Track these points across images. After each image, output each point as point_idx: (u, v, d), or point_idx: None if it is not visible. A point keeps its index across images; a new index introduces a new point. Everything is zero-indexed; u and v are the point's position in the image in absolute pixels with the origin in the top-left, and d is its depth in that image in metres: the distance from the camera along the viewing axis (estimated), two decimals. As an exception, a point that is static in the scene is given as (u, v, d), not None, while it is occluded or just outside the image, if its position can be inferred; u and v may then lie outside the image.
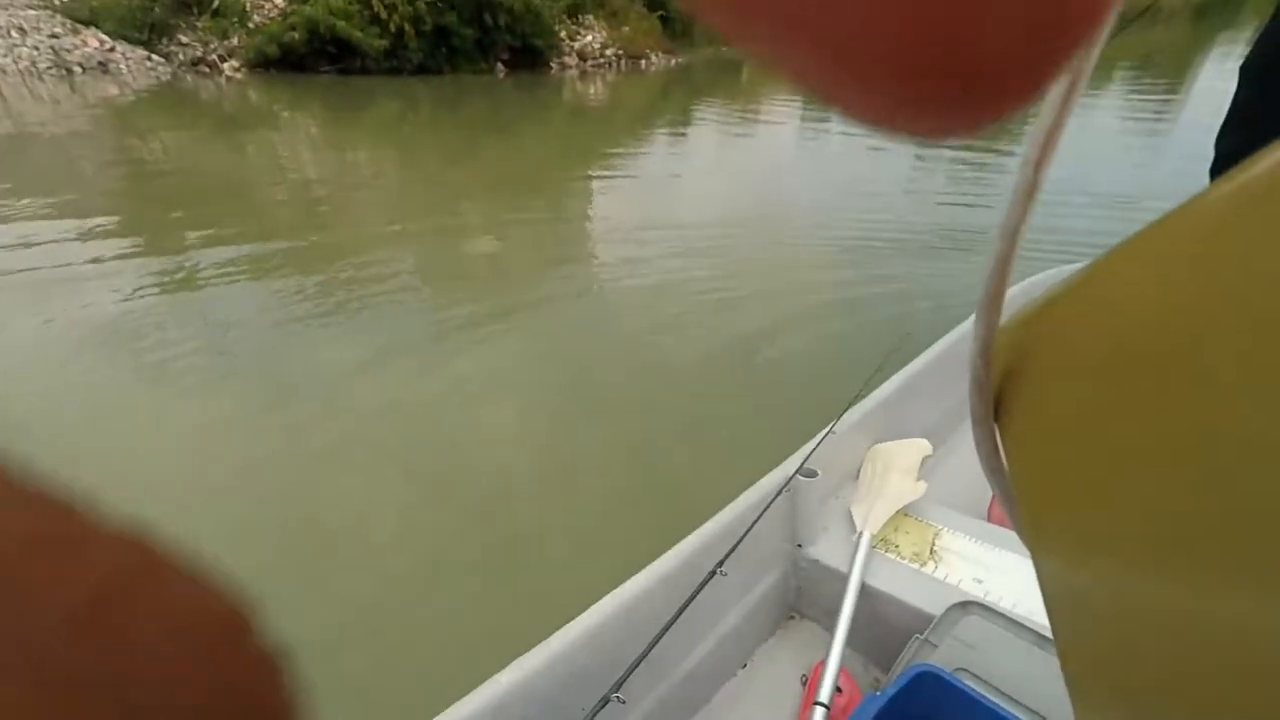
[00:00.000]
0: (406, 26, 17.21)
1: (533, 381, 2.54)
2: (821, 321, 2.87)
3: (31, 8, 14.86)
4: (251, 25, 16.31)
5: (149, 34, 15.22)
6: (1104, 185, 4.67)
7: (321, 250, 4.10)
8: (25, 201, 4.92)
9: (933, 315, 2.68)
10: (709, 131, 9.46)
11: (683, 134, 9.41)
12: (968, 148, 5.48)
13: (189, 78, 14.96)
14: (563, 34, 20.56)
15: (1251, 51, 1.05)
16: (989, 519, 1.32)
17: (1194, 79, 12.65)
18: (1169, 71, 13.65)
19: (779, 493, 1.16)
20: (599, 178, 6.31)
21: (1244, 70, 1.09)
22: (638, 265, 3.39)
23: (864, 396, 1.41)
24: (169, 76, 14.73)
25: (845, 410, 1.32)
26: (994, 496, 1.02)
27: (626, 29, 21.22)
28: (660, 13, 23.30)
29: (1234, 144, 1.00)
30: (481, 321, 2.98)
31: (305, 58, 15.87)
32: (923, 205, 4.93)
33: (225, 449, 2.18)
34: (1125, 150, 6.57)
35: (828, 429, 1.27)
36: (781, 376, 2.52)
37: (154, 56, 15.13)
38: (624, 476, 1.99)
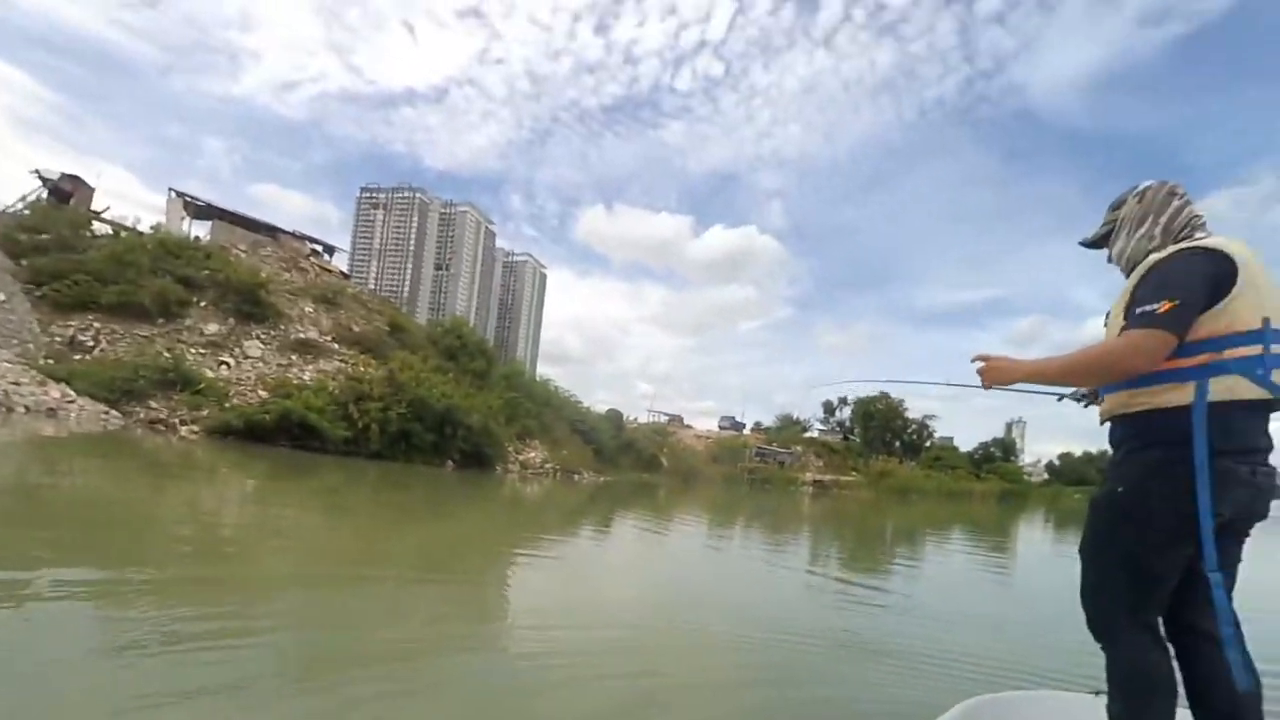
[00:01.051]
0: (373, 426, 19.33)
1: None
2: None
3: (10, 361, 15.83)
4: (227, 405, 17.80)
5: (120, 396, 16.13)
6: (980, 609, 5.59)
7: (204, 585, 3.64)
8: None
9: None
10: (628, 533, 10.18)
11: (605, 531, 10.06)
12: (857, 583, 6.49)
13: (139, 430, 15.21)
14: (511, 449, 23.48)
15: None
16: None
17: (1014, 534, 15.57)
18: (994, 530, 16.76)
19: None
20: (524, 558, 6.43)
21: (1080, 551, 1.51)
22: (547, 651, 3.05)
23: None
24: (117, 427, 14.93)
25: None
26: None
27: (565, 452, 24.64)
28: (594, 446, 27.71)
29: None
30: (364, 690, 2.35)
31: (268, 433, 16.89)
32: (809, 608, 5.24)
33: None
34: (981, 582, 7.93)
35: None
36: None
37: (111, 412, 15.63)
38: None
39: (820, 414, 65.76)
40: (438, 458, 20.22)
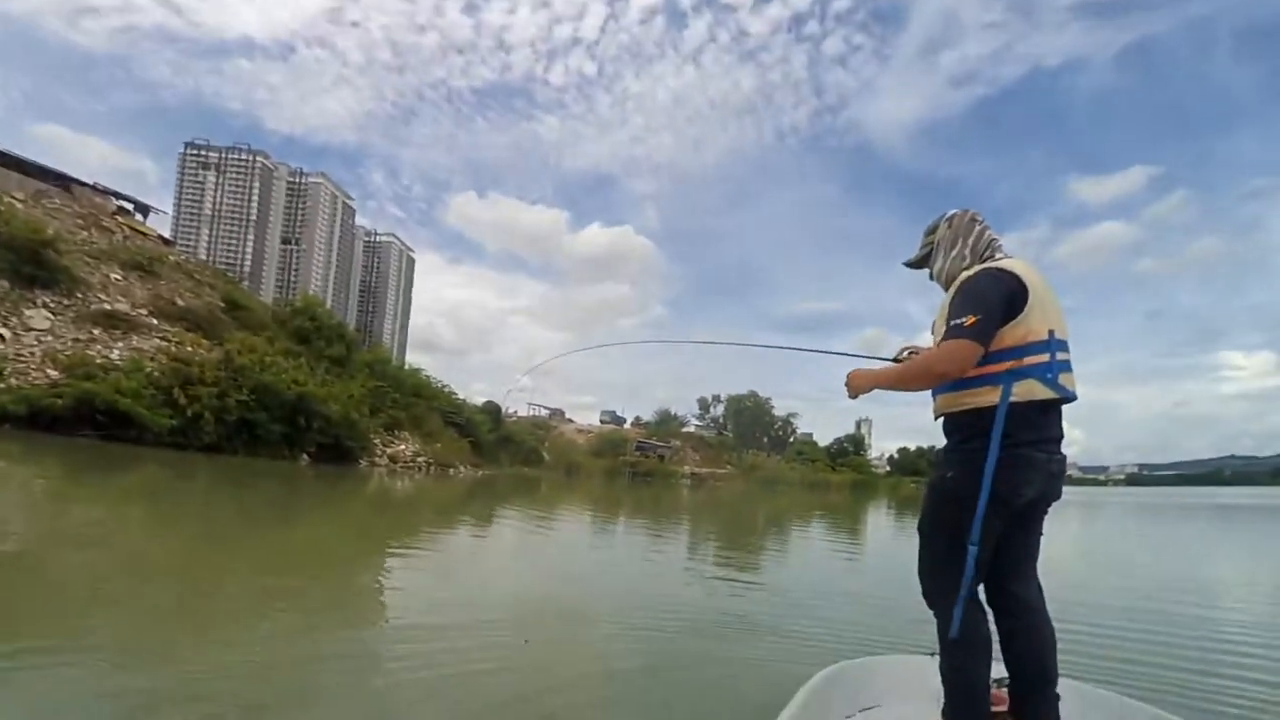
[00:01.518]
0: (207, 414, 16.89)
1: None
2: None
3: None
4: (2, 385, 14.54)
5: None
6: (839, 585, 6.25)
7: None
8: None
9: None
10: (508, 528, 9.95)
11: (484, 527, 9.74)
12: (733, 567, 6.98)
13: None
14: (377, 441, 21.75)
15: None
16: None
17: (865, 519, 17.65)
18: (847, 516, 18.87)
19: None
20: (395, 559, 5.99)
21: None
22: (423, 653, 2.86)
23: None
24: None
25: None
26: None
27: (439, 445, 23.35)
28: (471, 439, 26.58)
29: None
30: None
31: (60, 421, 14.07)
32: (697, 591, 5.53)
33: None
34: (839, 561, 8.87)
35: None
36: None
37: None
38: None
39: (696, 410, 69.17)
40: (290, 450, 18.21)
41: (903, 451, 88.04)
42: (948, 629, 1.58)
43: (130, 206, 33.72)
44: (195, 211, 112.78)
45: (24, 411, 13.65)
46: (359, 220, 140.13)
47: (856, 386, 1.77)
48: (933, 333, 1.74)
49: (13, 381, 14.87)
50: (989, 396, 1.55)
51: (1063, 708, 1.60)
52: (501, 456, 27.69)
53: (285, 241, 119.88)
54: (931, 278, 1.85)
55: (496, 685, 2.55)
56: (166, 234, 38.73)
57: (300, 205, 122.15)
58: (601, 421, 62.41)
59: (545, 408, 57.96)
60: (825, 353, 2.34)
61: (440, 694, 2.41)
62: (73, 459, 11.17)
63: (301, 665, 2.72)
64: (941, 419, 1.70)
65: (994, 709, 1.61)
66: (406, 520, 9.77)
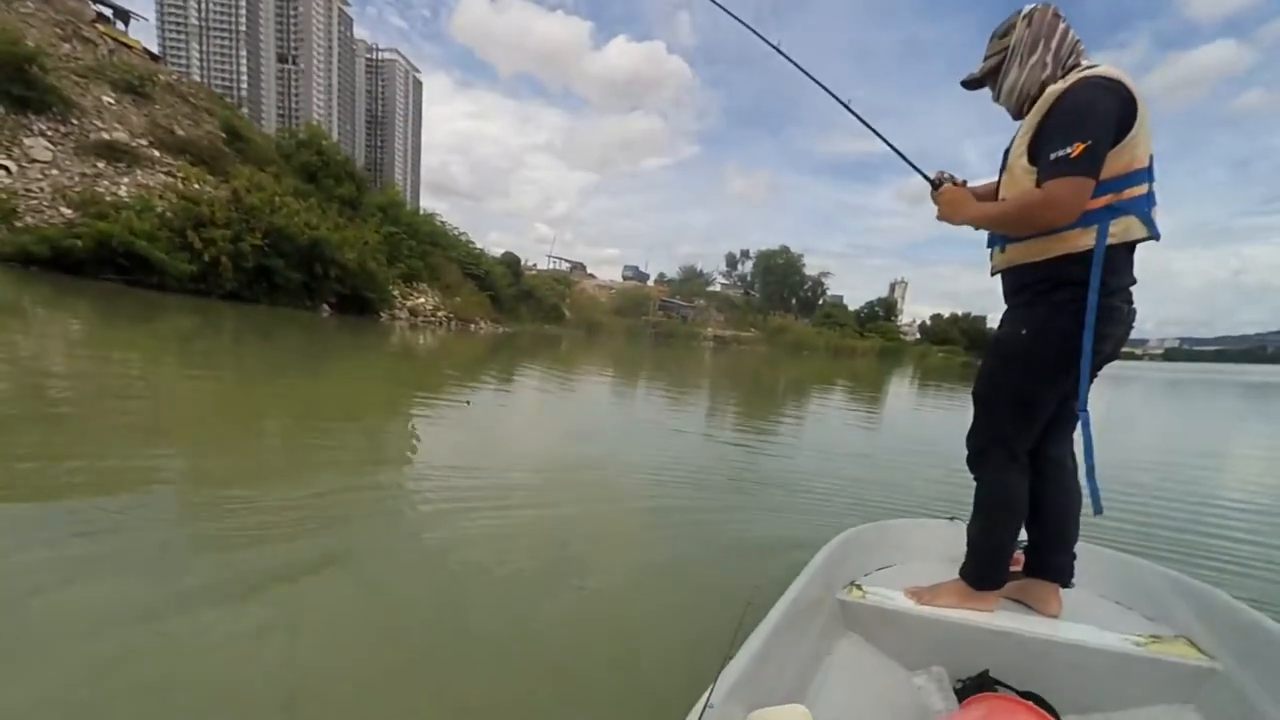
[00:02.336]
0: (224, 259, 17.20)
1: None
2: (667, 576, 2.82)
3: None
4: (19, 224, 14.84)
5: None
6: (853, 448, 6.53)
7: (41, 467, 3.03)
8: None
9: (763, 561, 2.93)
10: (533, 384, 10.40)
11: (510, 383, 10.20)
12: (752, 430, 7.17)
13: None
14: (396, 293, 22.22)
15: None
16: None
17: (888, 389, 18.02)
18: (871, 385, 19.25)
19: None
20: (421, 413, 6.32)
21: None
22: (456, 508, 3.12)
23: (732, 658, 1.27)
24: None
25: (719, 674, 1.20)
26: None
27: (459, 299, 23.80)
28: (490, 293, 26.96)
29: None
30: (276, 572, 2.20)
31: (84, 264, 14.54)
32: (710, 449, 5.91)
33: None
34: (860, 429, 9.12)
35: (704, 702, 1.13)
36: (628, 640, 2.25)
37: None
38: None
39: (723, 267, 68.14)
40: (310, 300, 18.76)
41: (935, 318, 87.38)
42: (990, 493, 1.60)
43: (109, 12, 31.36)
44: (180, 20, 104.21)
45: (47, 253, 14.05)
46: (357, 31, 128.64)
47: (950, 213, 1.53)
48: (1004, 165, 1.50)
49: (29, 220, 15.11)
50: (1081, 240, 1.36)
51: (1076, 568, 1.72)
52: (522, 312, 28.22)
53: (281, 59, 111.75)
54: (997, 99, 1.56)
55: (524, 520, 2.91)
56: (153, 48, 36.25)
57: (291, 11, 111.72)
58: (624, 278, 62.26)
59: (566, 260, 57.69)
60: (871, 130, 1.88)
61: (472, 536, 2.76)
62: (101, 305, 11.71)
63: (349, 494, 3.08)
64: (1009, 272, 1.53)
65: (1010, 569, 1.72)
66: (433, 373, 10.28)
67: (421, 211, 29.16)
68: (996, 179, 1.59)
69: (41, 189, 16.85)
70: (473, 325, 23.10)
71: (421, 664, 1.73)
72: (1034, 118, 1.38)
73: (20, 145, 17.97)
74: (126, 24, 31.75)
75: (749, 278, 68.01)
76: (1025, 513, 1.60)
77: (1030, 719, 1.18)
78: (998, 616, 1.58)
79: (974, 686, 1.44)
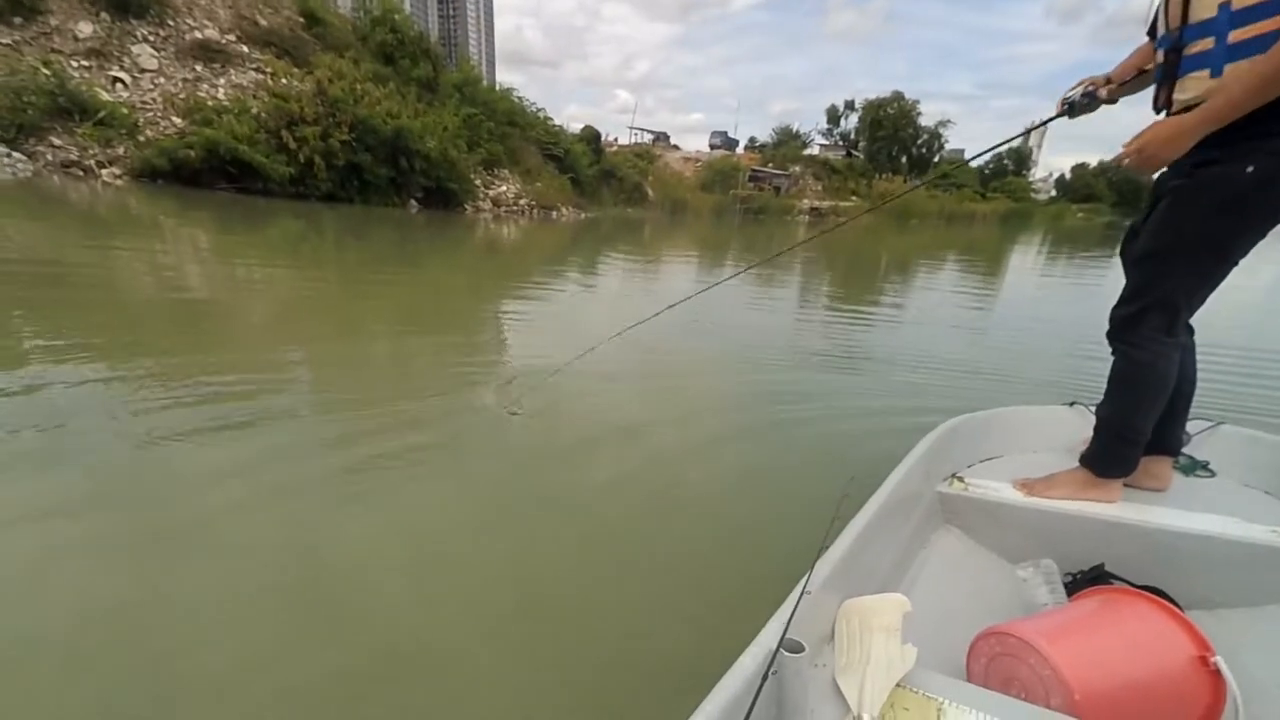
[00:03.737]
0: (317, 159, 18.02)
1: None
2: (764, 453, 2.88)
3: None
4: (141, 139, 16.22)
5: (15, 133, 14.57)
6: (965, 324, 6.20)
7: (203, 365, 3.58)
8: None
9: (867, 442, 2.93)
10: (617, 274, 10.54)
11: (594, 273, 10.39)
12: (847, 315, 6.96)
13: (55, 178, 14.22)
14: (478, 182, 22.49)
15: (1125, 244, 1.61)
16: (968, 678, 1.22)
17: (1007, 262, 16.32)
18: (988, 256, 17.49)
19: (765, 675, 0.96)
20: (511, 313, 6.66)
21: (1122, 255, 1.60)
22: (557, 398, 3.40)
23: (828, 548, 1.26)
24: (29, 174, 13.91)
25: (815, 563, 1.18)
26: (970, 649, 1.21)
27: (539, 184, 23.72)
28: (570, 175, 26.53)
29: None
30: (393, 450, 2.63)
31: (200, 174, 15.87)
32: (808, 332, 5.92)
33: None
34: (967, 310, 8.47)
35: (801, 589, 1.10)
36: (730, 523, 2.28)
37: (14, 155, 14.34)
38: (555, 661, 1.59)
39: (823, 124, 61.73)
40: (398, 197, 19.48)
41: (1078, 169, 75.78)
42: (1136, 366, 1.48)
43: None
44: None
45: (167, 165, 15.40)
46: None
47: (1165, 153, 1.33)
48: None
49: (149, 133, 16.44)
50: None
51: (1219, 453, 1.75)
52: (604, 194, 27.66)
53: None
54: None
55: (645, 397, 3.32)
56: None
57: None
58: (711, 146, 58.17)
59: (648, 131, 54.49)
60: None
61: (606, 408, 3.21)
62: (218, 212, 12.93)
63: (454, 401, 3.49)
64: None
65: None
66: (519, 268, 10.73)
67: (498, 87, 28.33)
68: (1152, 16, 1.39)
69: (154, 99, 18.08)
70: (555, 212, 23.15)
71: (532, 549, 2.04)
72: None
73: (129, 54, 19.08)
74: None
75: (853, 135, 61.46)
76: (1171, 390, 1.50)
77: (1150, 608, 1.14)
78: (1118, 506, 1.52)
79: (1086, 580, 1.40)
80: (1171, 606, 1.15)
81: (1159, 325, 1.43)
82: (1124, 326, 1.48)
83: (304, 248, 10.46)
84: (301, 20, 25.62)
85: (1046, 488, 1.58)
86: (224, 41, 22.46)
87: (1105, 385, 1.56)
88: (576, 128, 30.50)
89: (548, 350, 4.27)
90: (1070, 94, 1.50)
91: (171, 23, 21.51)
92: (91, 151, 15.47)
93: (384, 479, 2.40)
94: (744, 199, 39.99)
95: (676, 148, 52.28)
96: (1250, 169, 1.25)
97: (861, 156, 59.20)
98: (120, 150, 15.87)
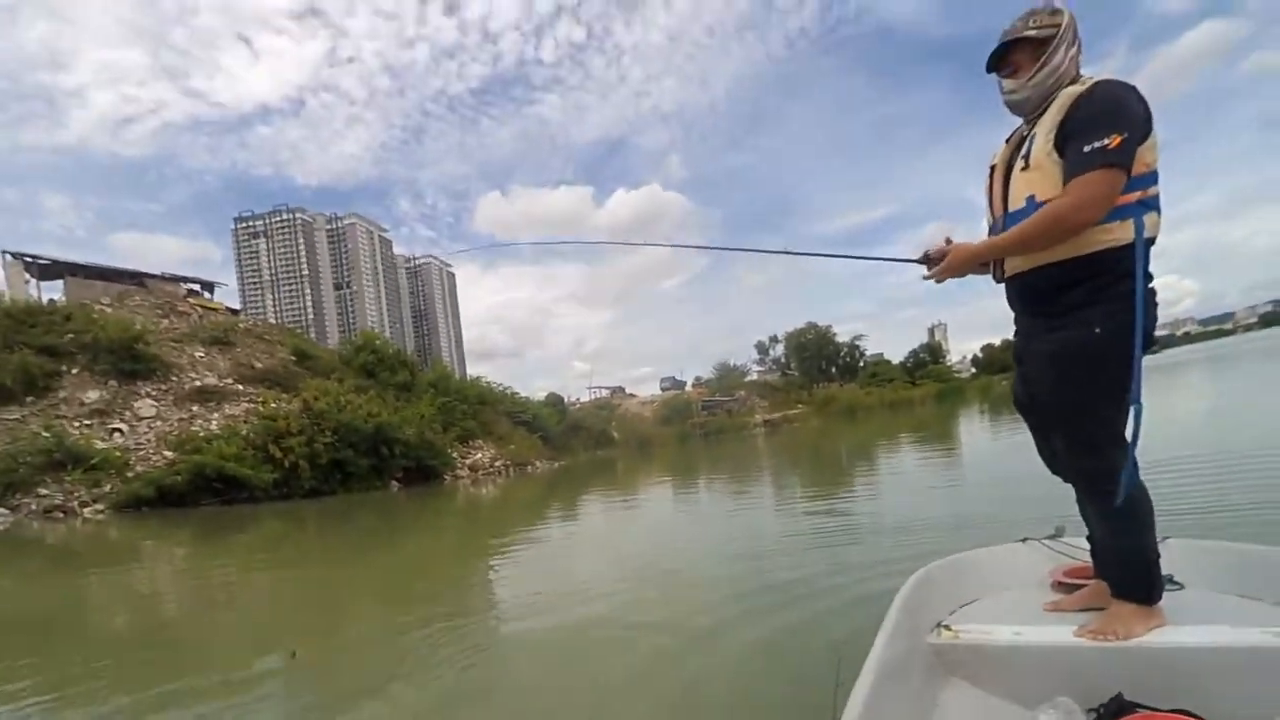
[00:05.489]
0: (301, 463, 18.39)
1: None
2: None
3: None
4: (130, 474, 16.46)
5: (3, 491, 14.62)
6: (935, 484, 6.42)
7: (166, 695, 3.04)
8: None
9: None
10: (596, 510, 10.42)
11: (573, 514, 10.22)
12: (819, 500, 7.10)
13: (34, 524, 13.86)
14: (454, 454, 23.03)
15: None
16: None
17: (957, 433, 17.00)
18: (940, 434, 18.23)
19: None
20: (495, 565, 6.41)
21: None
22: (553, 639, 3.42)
23: None
24: (7, 525, 13.55)
25: None
26: None
27: (513, 446, 24.44)
28: (540, 434, 27.62)
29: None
30: None
31: (185, 494, 15.79)
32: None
33: None
34: (931, 471, 8.69)
35: None
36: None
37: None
38: None
39: (755, 356, 68.35)
40: (379, 480, 19.60)
41: (987, 349, 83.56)
42: (1130, 501, 1.44)
43: (197, 287, 36.60)
44: (256, 278, 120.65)
45: (153, 493, 15.41)
46: (396, 250, 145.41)
47: (955, 268, 1.52)
48: (1025, 166, 1.45)
49: (140, 469, 16.78)
50: (1122, 233, 1.36)
51: (1183, 568, 1.63)
52: (573, 444, 28.58)
53: (338, 287, 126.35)
54: (1025, 81, 1.48)
55: (620, 644, 3.04)
56: (235, 304, 41.84)
57: (343, 249, 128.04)
58: (663, 389, 63.02)
59: (605, 388, 59.11)
60: (834, 255, 2.05)
61: (563, 669, 2.82)
62: (201, 527, 12.60)
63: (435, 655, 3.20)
64: (1043, 270, 1.45)
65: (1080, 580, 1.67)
66: (499, 522, 10.43)
67: (469, 378, 30.91)
68: (988, 190, 1.61)
69: (148, 440, 18.86)
70: (529, 467, 23.44)
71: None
72: (1056, 115, 1.39)
73: (131, 409, 20.42)
74: (212, 292, 36.84)
75: (784, 359, 67.74)
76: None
77: None
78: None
79: (1110, 714, 1.28)
80: None
81: (1122, 455, 1.44)
82: (1102, 474, 1.48)
83: (286, 541, 10.13)
84: (293, 357, 28.61)
85: (1104, 628, 1.44)
86: (222, 385, 24.51)
87: (1108, 523, 1.53)
88: (543, 395, 32.94)
89: (536, 593, 4.28)
90: (930, 249, 1.63)
91: (174, 378, 23.61)
92: (77, 494, 15.46)
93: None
94: (701, 424, 41.92)
95: (633, 395, 56.10)
96: (1098, 330, 1.39)
97: (796, 373, 64.48)
98: (107, 488, 15.93)
